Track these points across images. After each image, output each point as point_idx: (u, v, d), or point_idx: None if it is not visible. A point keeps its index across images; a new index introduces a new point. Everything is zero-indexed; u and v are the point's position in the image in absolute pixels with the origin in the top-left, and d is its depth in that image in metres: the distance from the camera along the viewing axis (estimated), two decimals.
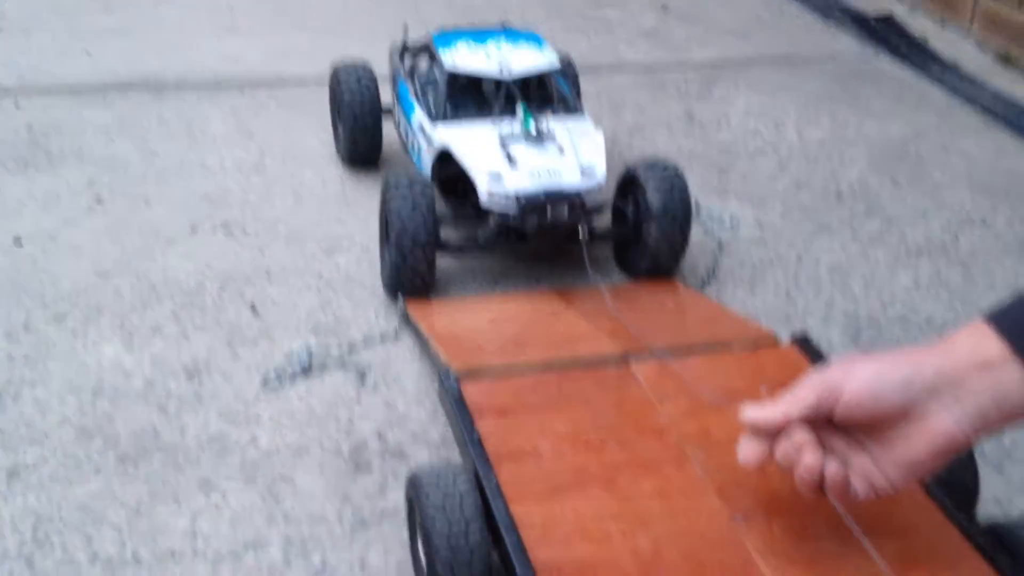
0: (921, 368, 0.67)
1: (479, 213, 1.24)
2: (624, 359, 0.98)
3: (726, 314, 1.18)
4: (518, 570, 0.72)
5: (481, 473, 0.81)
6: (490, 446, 0.85)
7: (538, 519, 0.78)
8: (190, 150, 1.61)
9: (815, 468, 0.69)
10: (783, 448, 0.70)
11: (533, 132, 1.23)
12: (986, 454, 1.02)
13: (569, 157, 1.21)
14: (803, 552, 0.75)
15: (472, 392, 0.92)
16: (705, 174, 1.60)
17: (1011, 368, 0.64)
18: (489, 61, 1.32)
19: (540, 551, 0.74)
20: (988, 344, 0.65)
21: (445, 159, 1.29)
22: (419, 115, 1.35)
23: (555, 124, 1.26)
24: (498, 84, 1.31)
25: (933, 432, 0.66)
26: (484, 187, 1.20)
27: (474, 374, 0.95)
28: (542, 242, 1.23)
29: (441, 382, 0.93)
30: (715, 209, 1.48)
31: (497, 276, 1.30)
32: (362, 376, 1.09)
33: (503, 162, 1.21)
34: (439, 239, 1.19)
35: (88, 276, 1.26)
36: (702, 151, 1.68)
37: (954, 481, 0.85)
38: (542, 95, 1.34)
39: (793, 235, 1.44)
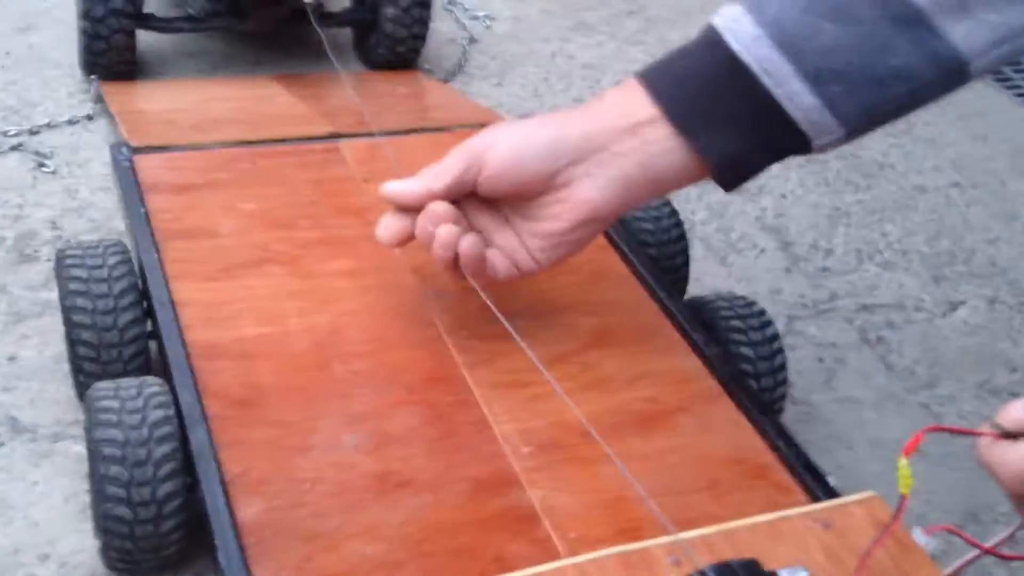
0: (567, 131, 0.60)
1: None
2: (333, 138, 0.88)
3: (461, 101, 1.10)
4: (169, 351, 0.63)
5: (141, 248, 0.71)
6: (160, 223, 0.74)
7: (203, 298, 0.68)
8: None
9: (449, 243, 0.61)
10: (420, 224, 0.62)
11: None
12: (712, 247, 0.99)
13: None
14: (494, 330, 0.69)
15: (148, 167, 0.80)
16: None
17: (659, 131, 0.58)
18: None
19: (199, 331, 0.65)
20: (637, 104, 0.59)
21: None
22: None
23: None
24: None
25: (574, 201, 0.60)
26: None
27: (155, 149, 0.83)
28: (263, 18, 1.10)
29: (113, 157, 0.81)
30: (470, 1, 1.38)
31: (218, 62, 1.17)
32: (41, 161, 0.96)
33: None
34: (139, 9, 1.04)
35: None
36: None
37: (664, 263, 0.81)
38: None
39: (550, 32, 1.35)
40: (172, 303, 0.66)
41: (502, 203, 0.63)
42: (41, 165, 0.95)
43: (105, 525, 0.57)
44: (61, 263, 0.68)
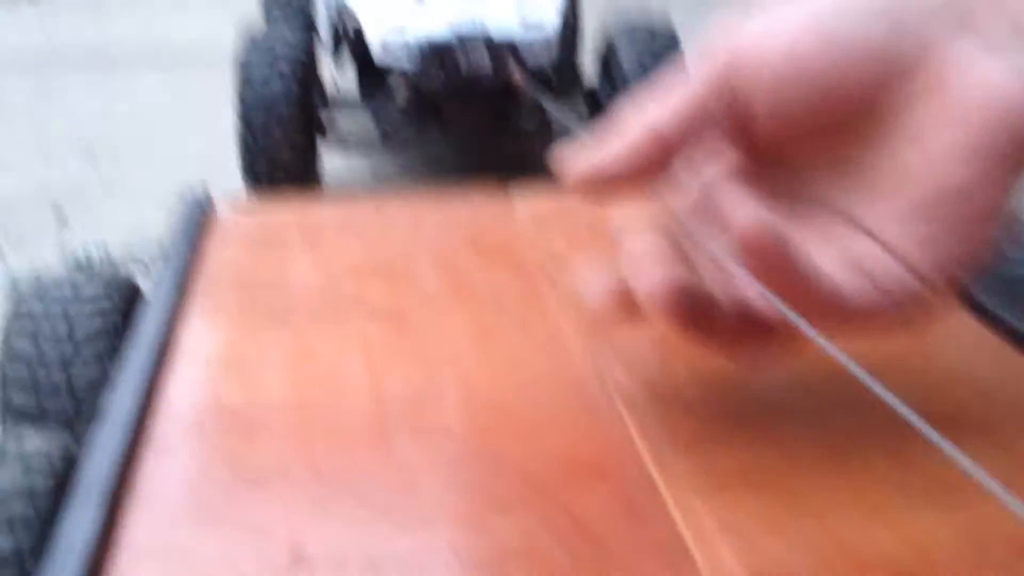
0: None
1: (381, 82, 0.91)
2: (502, 189, 0.61)
3: None
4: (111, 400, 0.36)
5: (157, 292, 0.45)
6: (204, 267, 0.49)
7: (224, 351, 0.41)
8: None
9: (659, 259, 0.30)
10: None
11: None
12: None
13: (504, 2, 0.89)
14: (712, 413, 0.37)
15: (231, 221, 0.56)
16: None
17: None
18: None
19: (189, 389, 0.38)
20: None
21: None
22: None
23: None
24: None
25: (965, 93, 0.27)
26: (378, 36, 0.88)
27: (252, 208, 0.59)
28: (463, 114, 0.88)
29: (182, 205, 0.57)
30: None
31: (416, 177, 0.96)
32: None
33: (407, 5, 0.89)
34: (315, 115, 0.86)
35: None
36: None
37: None
38: None
39: None
40: (164, 346, 0.39)
41: (799, 162, 0.31)
42: None
43: None
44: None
